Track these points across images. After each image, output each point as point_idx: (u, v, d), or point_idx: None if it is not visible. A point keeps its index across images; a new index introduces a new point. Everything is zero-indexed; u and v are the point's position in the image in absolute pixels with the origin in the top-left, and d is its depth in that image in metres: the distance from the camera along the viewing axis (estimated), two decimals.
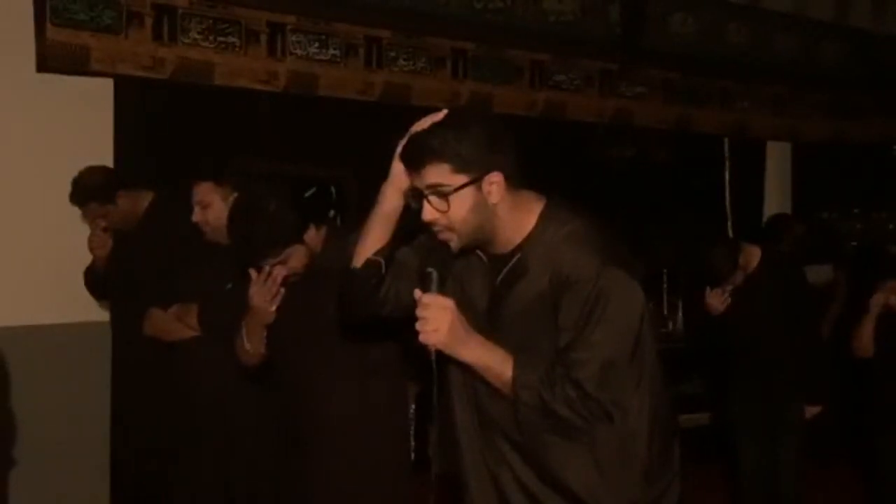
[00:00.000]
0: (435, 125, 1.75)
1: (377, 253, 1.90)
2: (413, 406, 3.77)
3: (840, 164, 6.24)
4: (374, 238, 1.90)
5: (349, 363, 2.51)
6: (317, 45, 4.27)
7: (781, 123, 6.13)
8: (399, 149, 1.81)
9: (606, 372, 1.70)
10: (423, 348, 1.72)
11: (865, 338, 3.58)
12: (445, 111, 1.79)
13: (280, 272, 2.46)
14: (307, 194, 2.62)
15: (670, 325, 5.19)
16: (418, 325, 1.69)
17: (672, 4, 5.44)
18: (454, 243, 1.75)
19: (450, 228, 1.74)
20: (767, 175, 6.14)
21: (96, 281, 3.63)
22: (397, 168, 1.84)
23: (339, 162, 4.55)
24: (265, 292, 2.45)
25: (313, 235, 2.51)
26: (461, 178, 1.70)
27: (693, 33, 5.56)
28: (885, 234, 5.89)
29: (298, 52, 4.22)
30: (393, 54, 4.49)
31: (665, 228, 5.33)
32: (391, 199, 1.87)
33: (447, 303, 1.69)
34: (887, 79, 6.27)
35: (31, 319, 3.68)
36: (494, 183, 1.73)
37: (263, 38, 4.11)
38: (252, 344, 2.55)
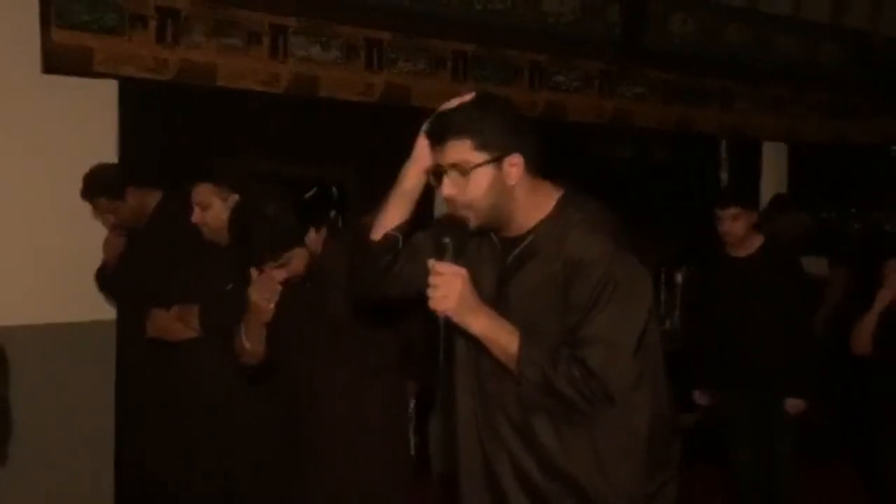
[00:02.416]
0: (461, 104, 1.79)
1: (395, 229, 1.92)
2: (413, 405, 3.79)
3: (838, 164, 6.25)
4: (393, 214, 1.92)
5: (349, 363, 2.53)
6: (318, 46, 4.29)
7: (781, 124, 6.14)
8: (424, 125, 1.85)
9: (611, 354, 1.72)
10: (433, 316, 1.74)
11: (865, 335, 3.58)
12: (473, 93, 1.83)
13: (280, 274, 2.47)
14: (308, 195, 2.63)
15: (667, 324, 5.20)
16: (429, 292, 1.71)
17: (672, 4, 5.45)
18: (471, 221, 1.78)
19: (467, 206, 1.77)
20: (764, 175, 6.15)
21: (107, 280, 3.65)
22: (420, 146, 1.87)
23: (340, 162, 4.58)
24: (264, 290, 2.46)
25: (313, 237, 2.53)
26: (482, 156, 1.74)
27: (693, 33, 5.56)
28: (882, 234, 5.90)
29: (300, 53, 4.23)
30: (393, 56, 4.51)
31: (664, 228, 5.36)
32: (412, 176, 1.90)
33: (460, 271, 1.71)
34: (887, 79, 6.27)
35: (34, 319, 3.69)
36: (515, 165, 1.77)
37: (265, 40, 4.12)
38: (251, 343, 2.55)
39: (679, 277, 5.35)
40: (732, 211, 3.63)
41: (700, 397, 3.89)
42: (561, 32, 5.00)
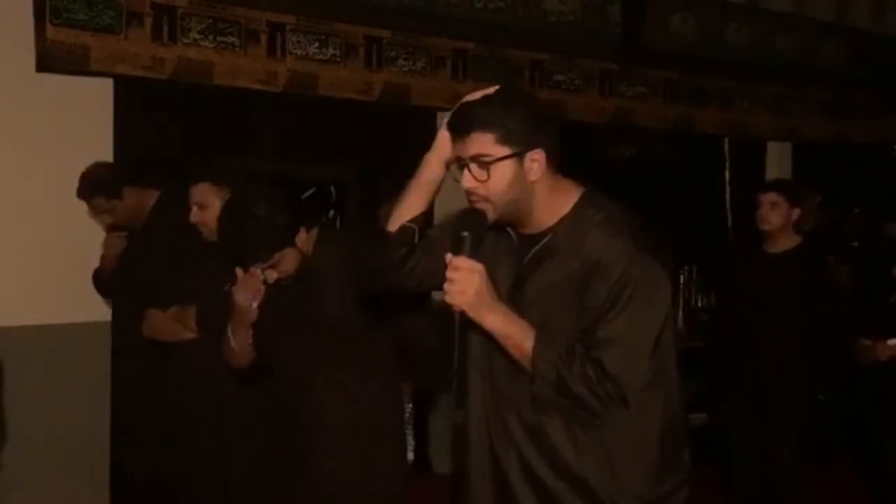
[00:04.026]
0: (485, 97, 1.78)
1: (412, 220, 1.90)
2: (410, 405, 3.77)
3: (840, 163, 6.24)
4: (411, 205, 1.91)
5: (344, 364, 2.51)
6: (316, 44, 4.27)
7: (781, 123, 6.14)
8: (447, 117, 1.83)
9: (627, 356, 1.71)
10: (448, 311, 1.72)
11: (870, 357, 3.58)
12: (497, 87, 1.82)
13: (270, 275, 2.44)
14: (306, 195, 2.61)
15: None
16: (446, 286, 1.69)
17: (672, 4, 5.44)
18: (489, 215, 1.77)
19: (486, 199, 1.75)
20: (767, 175, 6.14)
21: (104, 282, 3.63)
22: (442, 137, 1.86)
23: (338, 162, 4.55)
24: (247, 291, 2.43)
25: (304, 238, 2.50)
26: (504, 150, 1.73)
27: (693, 33, 5.56)
28: (885, 233, 5.88)
29: (298, 51, 4.21)
30: (393, 54, 4.49)
31: (666, 228, 5.33)
32: (433, 167, 1.89)
33: (477, 266, 1.69)
34: (887, 79, 6.27)
35: (31, 319, 3.68)
36: (536, 160, 1.75)
37: (263, 37, 4.11)
38: (237, 343, 2.52)
39: (682, 278, 5.33)
40: (772, 197, 3.62)
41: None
42: (561, 32, 4.99)
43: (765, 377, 3.63)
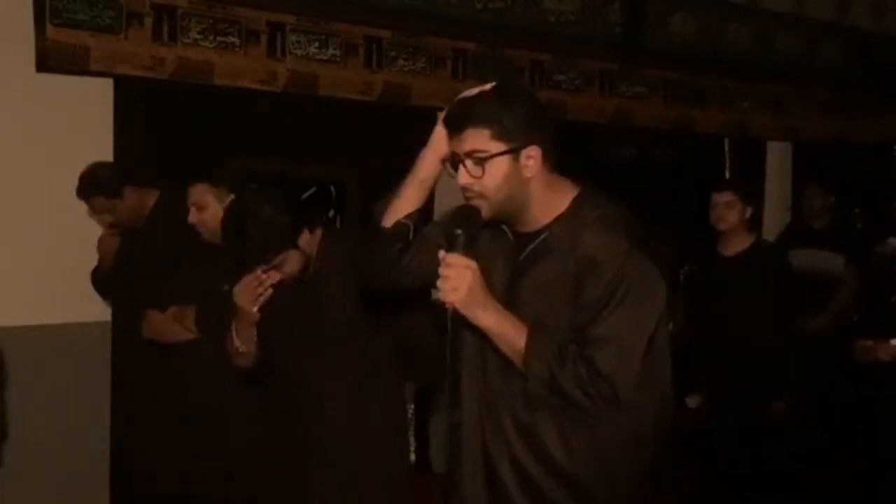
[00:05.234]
0: (481, 93, 1.78)
1: (407, 217, 1.91)
2: (411, 405, 3.76)
3: (841, 164, 6.24)
4: (406, 201, 1.91)
5: (347, 364, 2.51)
6: (316, 44, 4.27)
7: (781, 123, 6.14)
8: (443, 113, 1.83)
9: (620, 355, 1.71)
10: (442, 308, 1.72)
11: (871, 357, 3.58)
12: (494, 83, 1.83)
13: (274, 276, 2.45)
14: (306, 195, 2.62)
15: (670, 325, 5.17)
16: (439, 283, 1.69)
17: (672, 4, 5.45)
18: (484, 212, 1.76)
19: (481, 196, 1.75)
20: (767, 175, 6.14)
21: (102, 280, 3.63)
22: (438, 134, 1.86)
23: (338, 162, 4.55)
24: (248, 293, 2.43)
25: (308, 239, 2.51)
26: (499, 146, 1.73)
27: (693, 33, 5.57)
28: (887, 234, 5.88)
29: (298, 52, 4.21)
30: (393, 54, 4.49)
31: (665, 228, 5.32)
32: (429, 164, 1.89)
33: (470, 264, 1.69)
34: (888, 79, 6.27)
35: (31, 319, 3.67)
36: (532, 157, 1.76)
37: (263, 38, 4.11)
38: (242, 343, 2.52)
39: (682, 278, 5.32)
40: (727, 197, 3.66)
41: (692, 401, 3.86)
42: (561, 31, 4.99)
43: (739, 383, 3.63)
